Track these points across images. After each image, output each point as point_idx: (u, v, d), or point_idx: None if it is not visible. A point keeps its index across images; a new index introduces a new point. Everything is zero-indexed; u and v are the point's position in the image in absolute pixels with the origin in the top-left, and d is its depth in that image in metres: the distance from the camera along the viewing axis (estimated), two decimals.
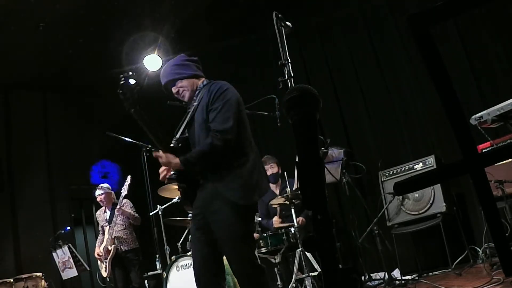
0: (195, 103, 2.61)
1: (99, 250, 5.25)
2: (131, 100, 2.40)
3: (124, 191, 5.10)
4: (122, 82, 2.41)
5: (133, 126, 2.58)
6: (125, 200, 5.24)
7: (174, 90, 2.68)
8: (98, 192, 5.41)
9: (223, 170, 2.45)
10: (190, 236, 2.64)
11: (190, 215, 2.71)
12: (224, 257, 2.59)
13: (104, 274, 5.18)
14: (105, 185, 5.50)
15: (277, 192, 4.88)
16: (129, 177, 5.13)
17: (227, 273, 3.45)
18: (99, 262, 5.27)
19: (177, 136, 2.62)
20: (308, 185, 1.27)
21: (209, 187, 2.51)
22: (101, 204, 5.42)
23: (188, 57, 2.77)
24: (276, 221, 4.61)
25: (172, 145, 2.53)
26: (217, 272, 2.52)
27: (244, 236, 2.47)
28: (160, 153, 2.49)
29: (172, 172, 2.55)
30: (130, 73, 2.45)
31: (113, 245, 5.10)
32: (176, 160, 2.45)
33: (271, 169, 4.86)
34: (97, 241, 5.41)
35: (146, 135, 2.49)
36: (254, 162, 2.53)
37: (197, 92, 2.66)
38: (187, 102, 2.71)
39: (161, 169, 2.59)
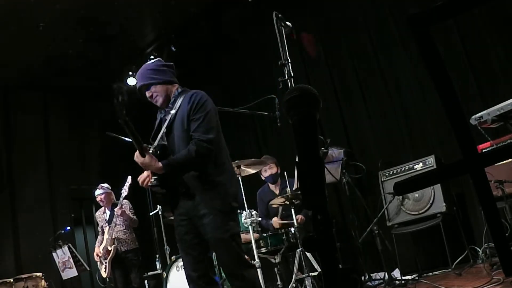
0: (173, 111, 2.65)
1: (98, 250, 5.24)
2: (122, 112, 2.45)
3: (125, 191, 5.09)
4: (115, 95, 2.47)
5: (133, 126, 2.58)
6: (124, 201, 5.23)
7: (148, 94, 2.72)
8: (98, 191, 5.41)
9: (203, 179, 2.54)
10: (177, 241, 2.67)
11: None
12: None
13: (104, 275, 5.18)
14: (105, 185, 5.49)
15: (277, 192, 4.88)
16: (129, 178, 5.11)
17: None
18: (98, 262, 5.27)
19: (155, 143, 2.65)
20: (308, 185, 1.27)
21: (191, 196, 2.58)
22: (101, 204, 5.41)
23: (164, 63, 2.81)
24: (275, 221, 4.61)
25: (151, 151, 2.56)
26: (209, 269, 2.63)
27: (233, 236, 2.58)
28: (140, 156, 2.51)
29: (152, 179, 2.59)
30: (120, 87, 2.50)
31: (113, 246, 5.10)
32: (158, 164, 2.49)
33: (269, 169, 4.86)
34: (97, 241, 5.42)
35: (147, 133, 2.52)
36: (231, 171, 2.70)
37: (172, 99, 2.71)
38: (159, 107, 2.75)
39: (141, 176, 2.63)
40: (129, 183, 5.08)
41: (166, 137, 2.66)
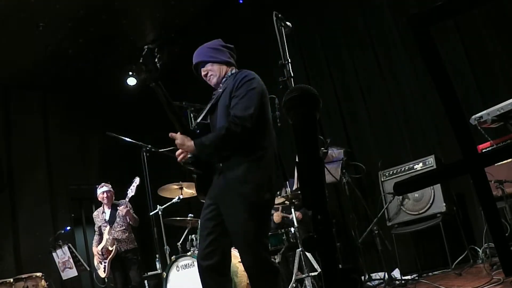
0: (220, 90, 2.56)
1: (96, 249, 5.22)
2: (153, 73, 2.34)
3: (131, 192, 4.96)
4: (145, 53, 2.36)
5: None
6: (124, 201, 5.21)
7: (203, 72, 2.64)
8: (104, 189, 5.35)
9: (238, 161, 2.36)
10: (198, 226, 2.52)
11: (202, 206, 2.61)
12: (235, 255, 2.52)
13: (103, 275, 5.15)
14: (108, 184, 5.47)
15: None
16: (137, 178, 4.96)
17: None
18: (96, 262, 5.24)
19: (198, 121, 2.56)
20: (308, 185, 1.27)
21: (224, 177, 2.41)
22: (103, 201, 5.36)
23: (224, 43, 2.74)
24: (276, 215, 4.62)
25: (192, 129, 2.49)
26: (223, 260, 2.44)
27: (257, 234, 2.35)
28: (177, 134, 2.44)
29: (189, 156, 2.47)
30: (155, 46, 2.38)
31: (114, 246, 5.08)
32: (191, 143, 2.39)
33: None
34: (94, 241, 5.38)
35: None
36: (270, 158, 2.43)
37: (224, 79, 2.61)
38: (213, 87, 2.65)
39: (178, 152, 2.50)
40: (137, 183, 4.96)
41: (210, 115, 2.55)
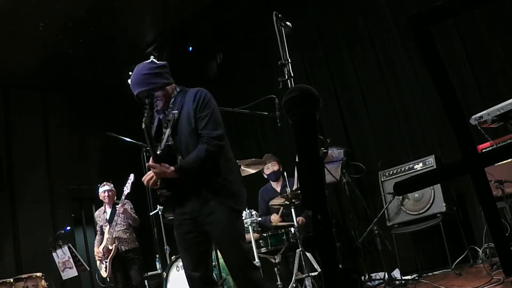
0: (175, 111, 2.59)
1: (98, 250, 5.24)
2: (148, 120, 2.50)
3: (127, 189, 5.04)
4: (146, 102, 2.56)
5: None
6: (126, 201, 5.22)
7: (147, 100, 2.62)
8: (105, 188, 5.37)
9: (214, 177, 2.52)
10: (177, 241, 2.62)
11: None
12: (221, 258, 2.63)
13: (104, 274, 5.17)
14: (110, 183, 5.48)
15: (278, 189, 4.89)
16: (132, 175, 5.05)
17: (227, 273, 3.45)
18: (98, 262, 5.26)
19: (162, 144, 2.58)
20: (308, 185, 1.27)
21: (198, 194, 2.53)
22: (105, 200, 5.37)
23: (157, 64, 2.70)
24: (274, 217, 4.62)
25: (158, 153, 2.52)
26: (210, 269, 2.61)
27: (241, 236, 2.57)
28: (154, 163, 2.48)
29: (158, 182, 2.52)
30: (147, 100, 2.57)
31: (114, 245, 5.09)
32: (170, 170, 2.46)
33: (272, 167, 4.87)
34: (96, 241, 5.40)
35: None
36: (237, 168, 2.71)
37: (172, 99, 2.64)
38: (160, 110, 2.66)
39: (145, 176, 2.56)
40: (132, 180, 5.04)
41: (172, 137, 2.60)
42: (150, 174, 2.54)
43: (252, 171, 4.32)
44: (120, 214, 5.17)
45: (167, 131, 2.59)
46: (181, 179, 2.50)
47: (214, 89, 2.91)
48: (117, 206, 5.15)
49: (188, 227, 2.56)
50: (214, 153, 2.50)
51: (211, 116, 2.53)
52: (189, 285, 2.58)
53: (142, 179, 2.60)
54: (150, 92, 2.60)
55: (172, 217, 3.52)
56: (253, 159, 4.42)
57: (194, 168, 2.49)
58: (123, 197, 5.07)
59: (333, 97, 5.79)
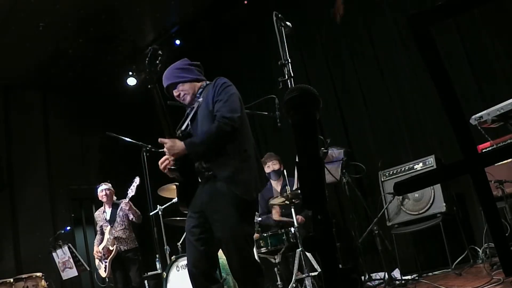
0: (200, 99, 2.64)
1: (97, 249, 5.23)
2: (153, 75, 2.44)
3: (131, 191, 5.00)
4: (150, 54, 2.47)
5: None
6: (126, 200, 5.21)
7: (175, 93, 2.70)
8: (104, 187, 5.37)
9: (225, 163, 2.46)
10: (185, 233, 2.61)
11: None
12: (223, 256, 2.60)
13: (104, 274, 5.17)
14: (108, 183, 5.48)
15: (278, 188, 4.89)
16: (137, 178, 4.99)
17: (227, 272, 3.45)
18: (97, 262, 5.25)
19: (183, 128, 2.62)
20: (308, 185, 1.27)
21: (211, 184, 2.50)
22: (103, 200, 5.37)
23: (190, 62, 2.81)
24: (275, 211, 4.62)
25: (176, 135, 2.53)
26: (213, 266, 2.56)
27: (246, 236, 2.49)
28: (165, 139, 2.49)
29: (173, 163, 2.52)
30: (159, 50, 2.50)
31: (114, 245, 5.08)
32: (181, 143, 2.45)
33: (272, 165, 4.87)
34: (95, 241, 5.39)
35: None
36: (253, 159, 2.57)
37: (198, 94, 2.69)
38: (188, 105, 2.72)
39: (161, 160, 2.55)
40: (137, 183, 4.99)
41: (191, 125, 2.62)
42: (164, 157, 2.53)
43: None
44: (120, 214, 5.17)
45: (188, 118, 2.63)
46: (192, 156, 2.48)
47: None
48: (121, 204, 5.14)
49: (197, 221, 2.54)
50: (225, 132, 2.42)
51: (227, 100, 2.50)
52: (190, 280, 2.54)
53: (159, 162, 2.56)
54: (177, 85, 2.66)
55: (176, 218, 3.53)
56: None
57: (204, 144, 2.45)
58: (127, 198, 5.03)
59: (333, 97, 5.79)
